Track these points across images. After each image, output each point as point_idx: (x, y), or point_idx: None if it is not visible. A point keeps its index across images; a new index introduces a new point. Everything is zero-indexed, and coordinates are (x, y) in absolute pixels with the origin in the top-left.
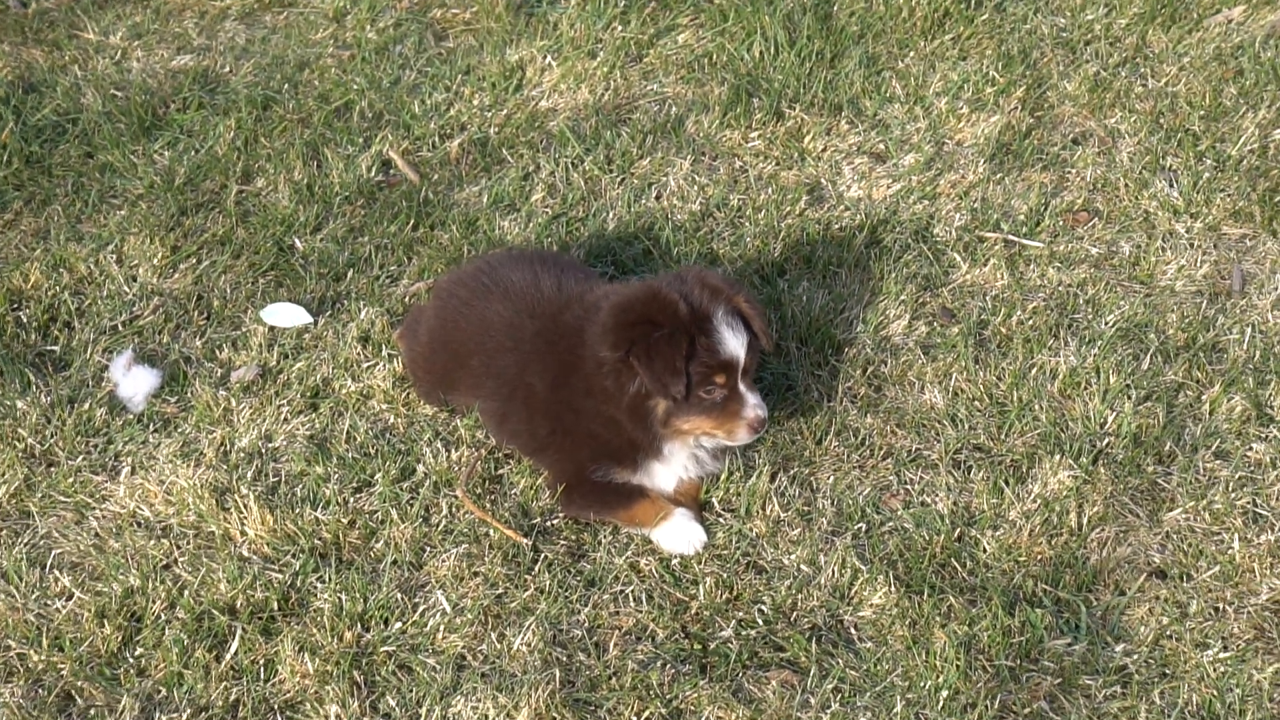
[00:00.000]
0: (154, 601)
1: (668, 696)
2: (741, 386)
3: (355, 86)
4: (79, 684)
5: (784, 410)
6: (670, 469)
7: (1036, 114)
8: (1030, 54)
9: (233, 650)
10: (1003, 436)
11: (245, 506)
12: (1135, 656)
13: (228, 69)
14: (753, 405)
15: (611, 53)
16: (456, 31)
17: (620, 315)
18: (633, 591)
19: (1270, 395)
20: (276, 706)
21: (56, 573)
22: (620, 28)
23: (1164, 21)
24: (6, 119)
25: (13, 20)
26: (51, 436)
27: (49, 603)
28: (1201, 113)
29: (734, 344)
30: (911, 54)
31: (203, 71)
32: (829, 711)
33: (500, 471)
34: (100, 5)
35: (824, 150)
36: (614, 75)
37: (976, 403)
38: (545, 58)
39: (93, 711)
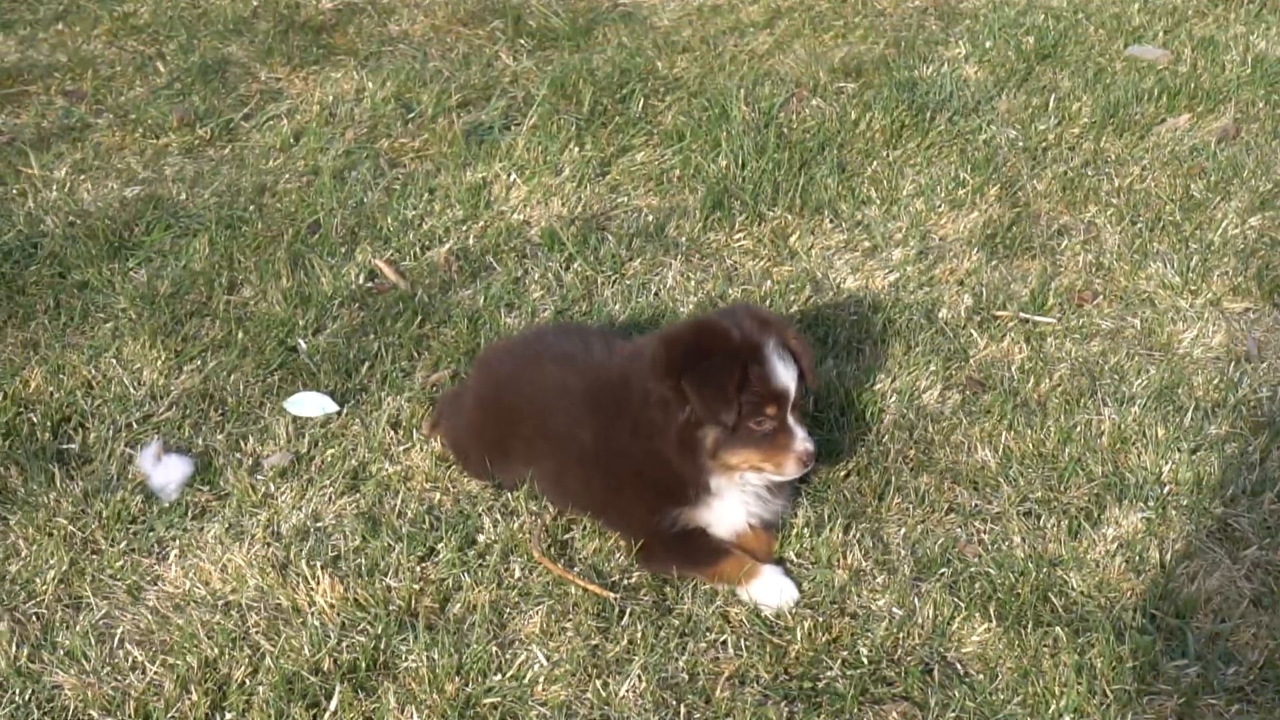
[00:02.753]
0: (236, 668)
1: None
2: (790, 420)
3: (322, 205)
4: None
5: (838, 469)
6: (727, 508)
7: (1014, 210)
8: (994, 159)
9: (332, 708)
10: (1062, 488)
11: (312, 577)
12: (1250, 678)
13: (183, 196)
14: (801, 439)
15: (575, 169)
16: (409, 159)
17: (671, 345)
18: (728, 639)
19: None
20: None
21: (126, 647)
22: (576, 149)
23: (1115, 129)
24: None
25: None
26: (90, 525)
27: (123, 677)
28: (1175, 204)
29: (785, 376)
30: (876, 162)
31: (158, 199)
32: None
33: (566, 536)
34: (37, 145)
35: (811, 248)
36: (582, 189)
37: (1028, 460)
38: (509, 175)
39: None
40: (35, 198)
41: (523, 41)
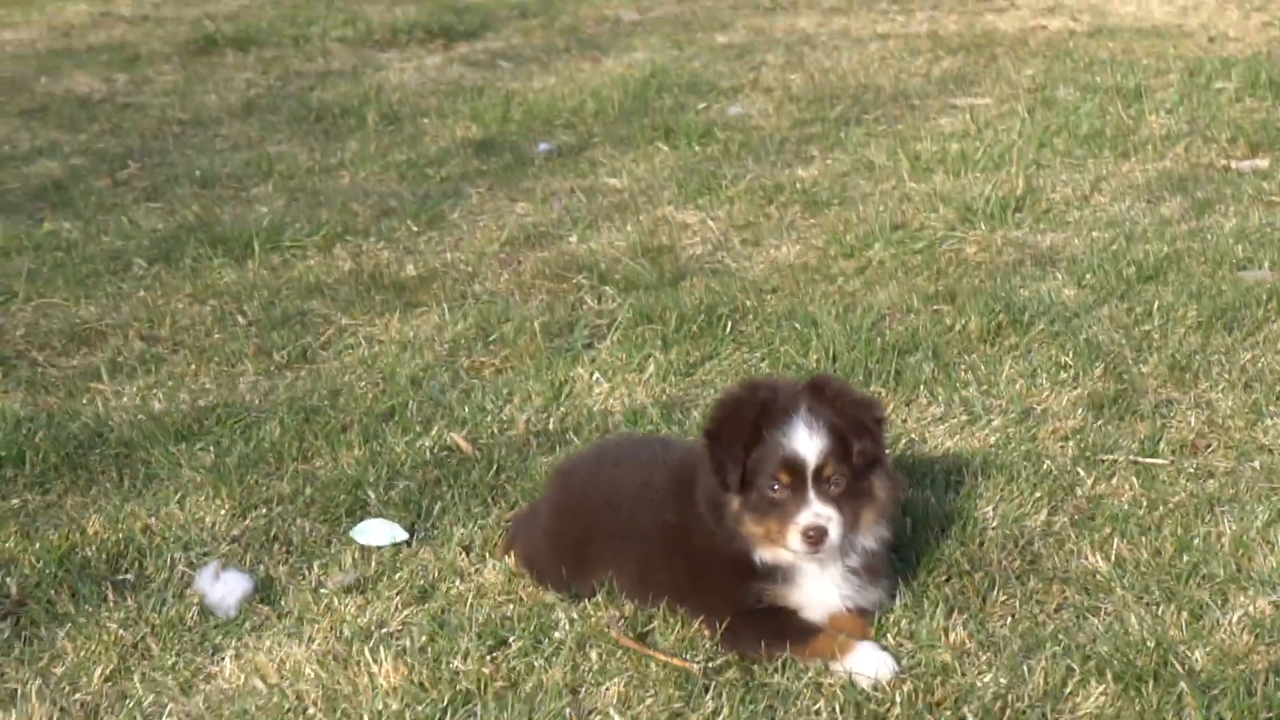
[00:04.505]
0: None
1: None
2: (811, 493)
3: (398, 398)
4: None
5: (937, 575)
6: (818, 589)
7: (1119, 385)
8: (1096, 348)
9: None
10: (1181, 587)
11: (374, 662)
12: None
13: (256, 400)
14: (811, 512)
15: (660, 370)
16: (489, 373)
17: (714, 403)
18: (821, 707)
19: None
20: None
21: None
22: (661, 355)
23: (1224, 327)
24: (36, 428)
25: (24, 378)
26: (142, 631)
27: None
28: None
29: (805, 443)
30: (973, 355)
31: (229, 402)
32: None
33: (647, 629)
34: (111, 370)
35: (906, 420)
36: (667, 384)
37: (1143, 566)
38: (592, 375)
39: None
40: (105, 404)
41: (609, 289)
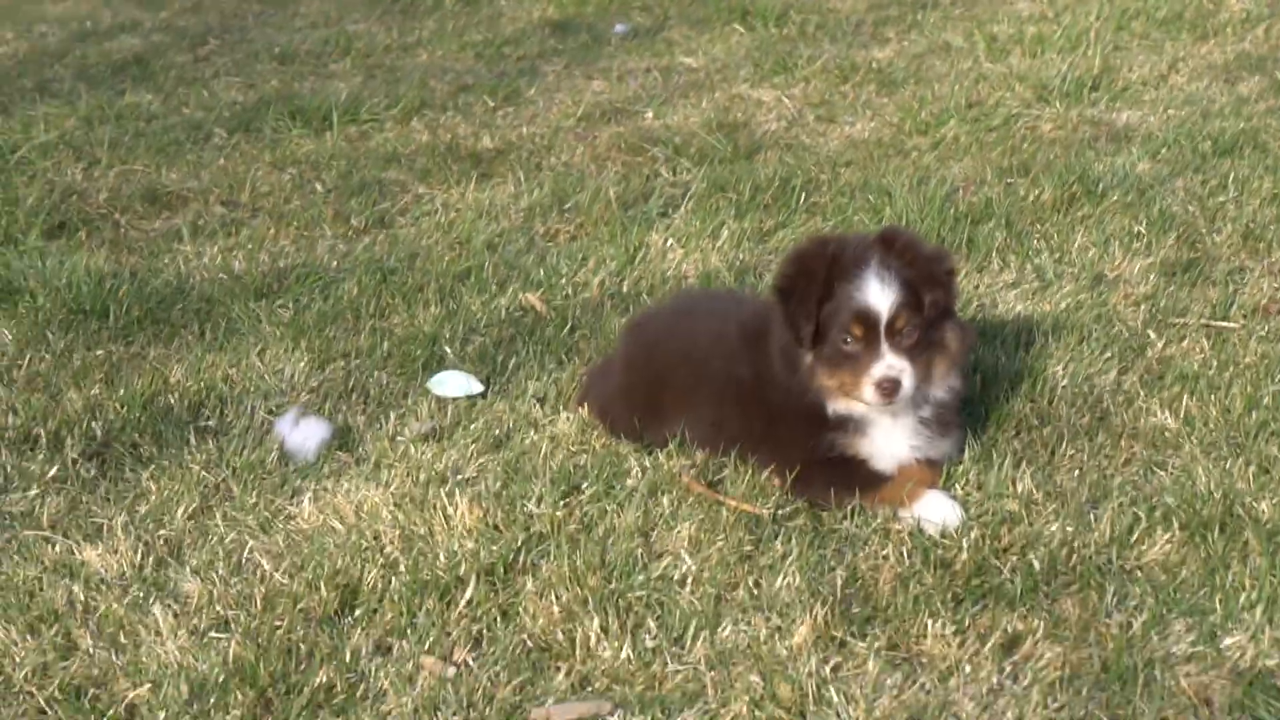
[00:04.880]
0: (368, 573)
1: (956, 616)
2: (884, 345)
3: (476, 258)
4: (300, 635)
5: (1005, 430)
6: (888, 437)
7: (1193, 253)
8: (1170, 217)
9: (467, 597)
10: (1249, 443)
11: (450, 504)
12: None
13: (334, 263)
14: (885, 364)
15: (734, 237)
16: (564, 238)
17: (784, 259)
18: (889, 552)
19: None
20: (528, 640)
21: (256, 558)
22: (735, 223)
23: None
24: (120, 284)
25: (108, 238)
26: (223, 473)
27: (250, 584)
28: None
29: (877, 296)
30: (1047, 224)
31: (308, 262)
32: (1140, 619)
33: (718, 478)
34: (192, 232)
35: (978, 286)
36: (740, 250)
37: (1211, 423)
38: (666, 241)
39: (317, 658)
40: (186, 264)
41: (684, 161)
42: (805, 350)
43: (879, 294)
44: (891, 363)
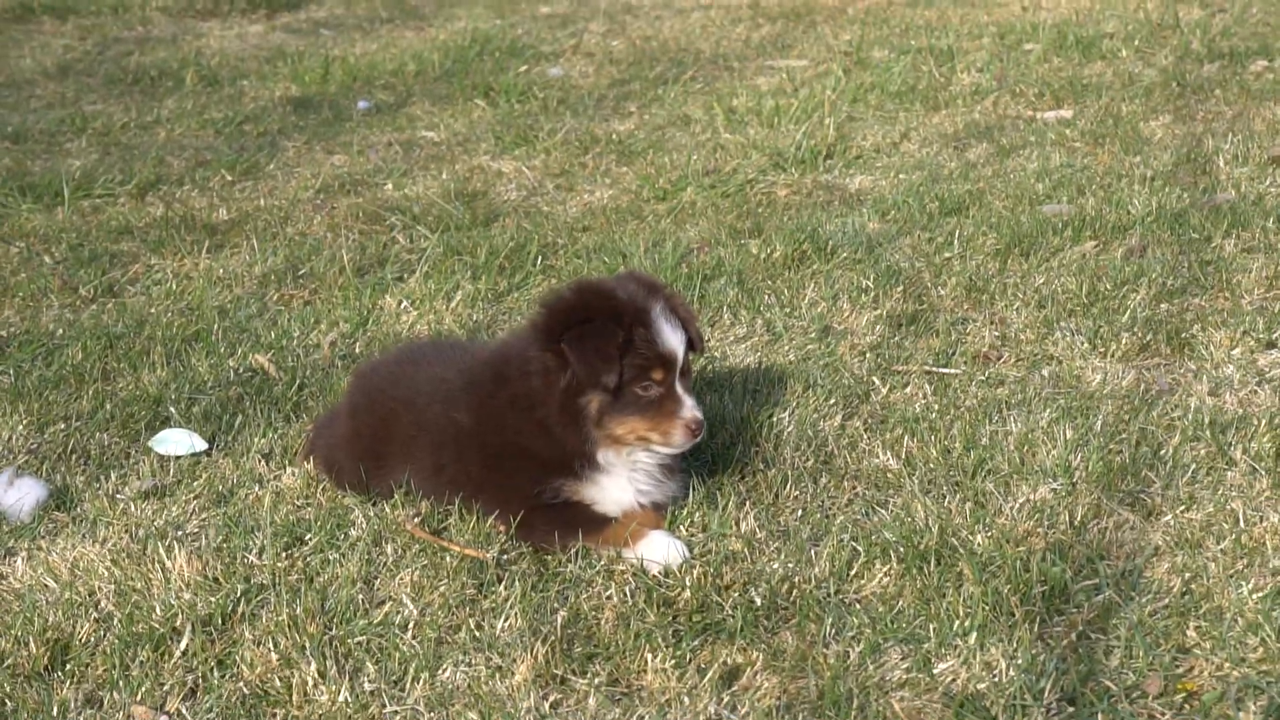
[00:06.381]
0: (80, 627)
1: (676, 651)
2: (679, 388)
3: (205, 322)
4: (5, 692)
5: (731, 473)
6: (616, 483)
7: (919, 306)
8: (897, 272)
9: (183, 647)
10: (967, 481)
11: (168, 558)
12: (1167, 600)
13: (59, 330)
14: (690, 406)
15: (468, 298)
16: (299, 305)
17: (553, 308)
18: (613, 592)
19: (1231, 443)
20: (244, 688)
21: None
22: (470, 285)
23: (1020, 253)
24: None
25: None
26: None
27: None
28: (1081, 298)
29: (673, 339)
30: (777, 280)
31: (31, 332)
32: (857, 649)
33: (443, 525)
34: None
35: (709, 339)
36: (475, 310)
37: (932, 463)
38: (400, 303)
39: (23, 713)
40: None
41: (421, 228)
42: (590, 398)
43: (674, 338)
44: (693, 404)
